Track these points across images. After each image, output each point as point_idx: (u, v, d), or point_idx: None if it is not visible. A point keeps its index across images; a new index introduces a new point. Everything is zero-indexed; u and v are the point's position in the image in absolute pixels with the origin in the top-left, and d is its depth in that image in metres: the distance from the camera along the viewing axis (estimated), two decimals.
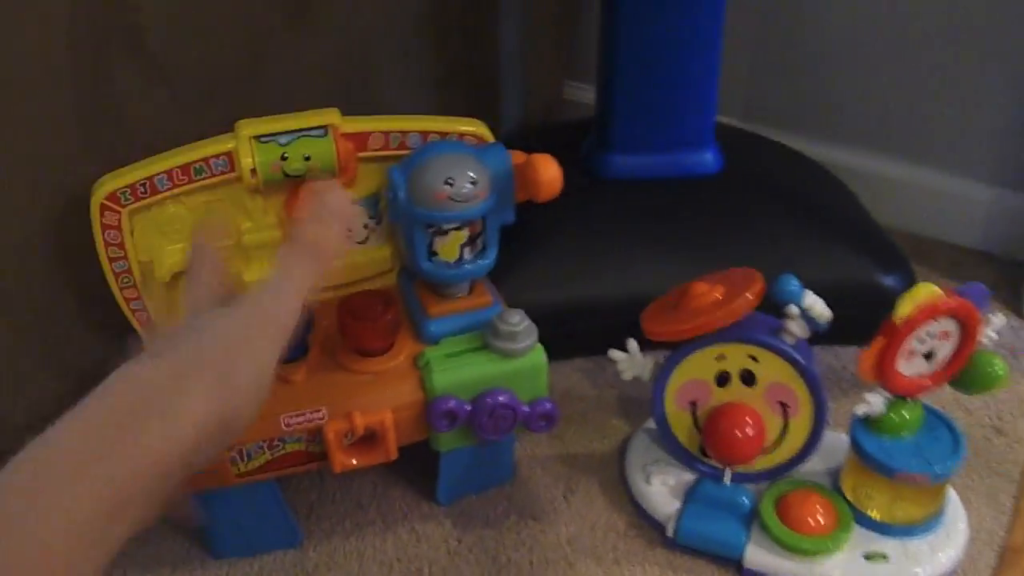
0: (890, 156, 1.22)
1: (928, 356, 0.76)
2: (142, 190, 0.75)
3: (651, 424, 0.87)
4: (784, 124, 1.25)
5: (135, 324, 0.80)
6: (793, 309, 0.76)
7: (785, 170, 1.12)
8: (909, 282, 0.99)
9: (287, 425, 0.74)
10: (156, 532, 0.84)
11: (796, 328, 0.77)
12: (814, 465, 0.83)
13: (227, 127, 0.76)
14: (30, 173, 0.79)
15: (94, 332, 0.87)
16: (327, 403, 0.75)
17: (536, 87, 1.30)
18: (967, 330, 0.74)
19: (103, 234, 0.76)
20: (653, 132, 1.04)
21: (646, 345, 0.83)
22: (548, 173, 0.75)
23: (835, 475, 0.82)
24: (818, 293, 0.76)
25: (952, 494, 0.82)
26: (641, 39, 0.99)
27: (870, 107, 1.21)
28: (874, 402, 0.76)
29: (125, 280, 0.78)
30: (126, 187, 0.74)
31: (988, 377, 0.76)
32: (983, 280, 1.12)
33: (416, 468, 0.88)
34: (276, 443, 0.75)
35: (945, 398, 0.96)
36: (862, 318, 0.82)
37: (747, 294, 0.76)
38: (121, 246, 0.76)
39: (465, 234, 0.76)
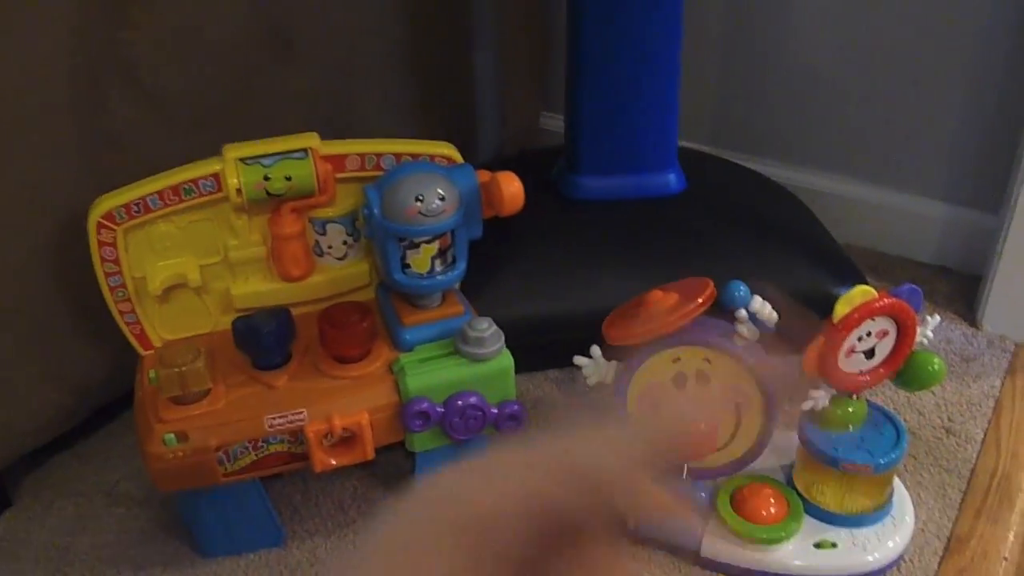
0: (850, 177, 1.28)
1: (870, 355, 0.81)
2: (136, 209, 0.80)
3: None
4: (749, 148, 1.32)
5: (128, 335, 0.85)
6: (742, 313, 0.81)
7: (746, 190, 1.18)
8: None
9: (270, 426, 0.79)
10: (148, 533, 0.89)
11: (746, 331, 0.82)
12: (769, 462, 0.88)
13: (215, 151, 0.82)
14: (32, 195, 0.85)
15: (92, 345, 0.93)
16: (308, 406, 0.80)
17: (512, 117, 1.37)
18: (904, 329, 0.79)
19: (100, 251, 0.81)
20: (618, 155, 1.10)
21: (610, 353, 0.88)
22: (511, 188, 0.81)
23: (788, 471, 0.87)
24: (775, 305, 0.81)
25: (900, 487, 0.87)
26: (604, 68, 1.05)
27: (831, 131, 1.28)
28: (818, 397, 0.81)
29: (120, 294, 0.83)
30: (121, 206, 0.80)
31: (927, 374, 0.81)
32: (939, 292, 1.20)
33: (394, 472, 0.94)
34: (260, 444, 0.80)
35: (899, 401, 1.02)
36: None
37: (698, 299, 0.81)
38: (116, 262, 0.82)
39: (436, 247, 0.82)
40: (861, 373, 0.81)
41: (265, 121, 0.93)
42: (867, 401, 0.84)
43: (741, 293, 0.81)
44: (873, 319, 0.78)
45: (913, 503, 0.87)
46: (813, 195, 1.23)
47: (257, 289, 0.87)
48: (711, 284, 0.83)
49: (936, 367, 0.81)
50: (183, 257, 0.84)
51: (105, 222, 0.80)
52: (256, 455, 0.80)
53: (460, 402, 0.82)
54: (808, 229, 1.14)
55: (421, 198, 0.79)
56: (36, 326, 0.88)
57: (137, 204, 0.80)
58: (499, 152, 1.37)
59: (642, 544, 0.85)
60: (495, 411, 0.84)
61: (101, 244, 0.81)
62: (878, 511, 0.84)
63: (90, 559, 0.86)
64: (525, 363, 0.87)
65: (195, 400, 0.79)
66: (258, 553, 0.86)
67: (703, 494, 0.85)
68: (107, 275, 0.82)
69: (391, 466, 0.94)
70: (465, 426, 0.83)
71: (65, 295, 0.89)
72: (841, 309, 0.78)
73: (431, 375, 0.82)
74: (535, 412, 1.01)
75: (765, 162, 1.29)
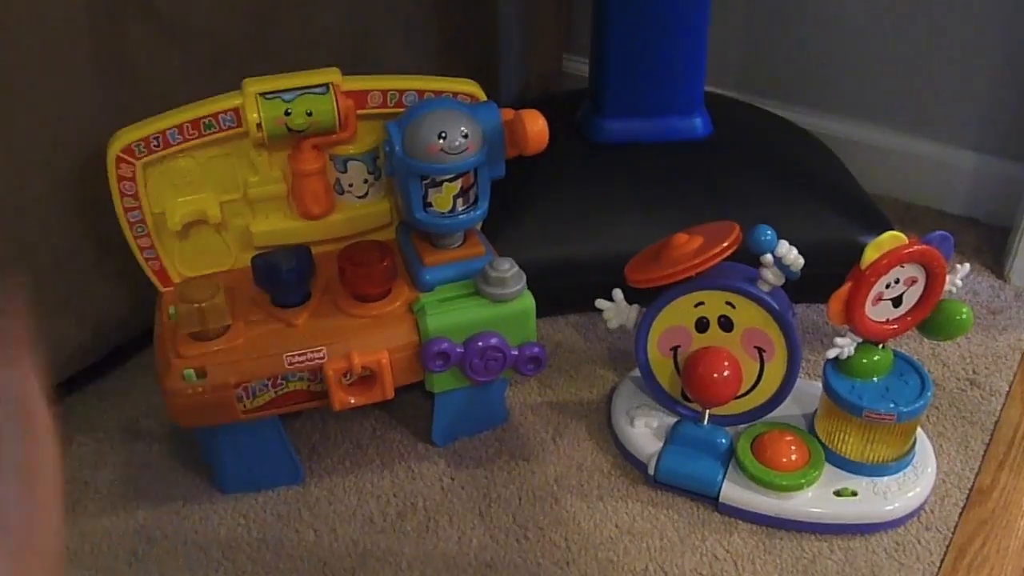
0: (878, 125, 1.26)
1: (897, 303, 0.80)
2: (155, 143, 0.80)
3: (636, 372, 0.92)
4: (777, 95, 1.29)
5: (148, 271, 0.85)
6: (768, 258, 0.80)
7: (773, 136, 1.16)
8: None
9: (289, 364, 0.79)
10: (167, 469, 0.89)
11: (771, 276, 0.81)
12: (790, 410, 0.87)
13: (236, 86, 0.81)
14: (51, 131, 0.84)
15: (111, 282, 0.92)
16: (327, 344, 0.80)
17: (535, 60, 1.35)
18: (933, 276, 0.78)
19: (119, 186, 0.80)
20: (643, 98, 1.08)
21: (631, 296, 0.87)
22: (535, 126, 0.80)
23: (810, 419, 0.87)
24: (802, 253, 0.80)
25: (923, 438, 0.87)
26: (631, 7, 1.03)
27: (860, 77, 1.25)
28: (843, 344, 0.80)
29: (140, 230, 0.83)
30: (140, 140, 0.79)
31: (954, 323, 0.80)
32: (967, 244, 1.18)
33: (413, 413, 0.94)
34: (279, 381, 0.80)
35: (923, 352, 1.00)
36: (844, 277, 0.86)
37: (724, 243, 0.80)
38: (135, 197, 0.81)
39: (458, 186, 0.81)
40: (888, 321, 0.80)
41: (286, 56, 0.91)
42: (892, 350, 0.83)
43: (768, 237, 0.79)
44: (902, 266, 0.77)
45: (935, 454, 0.86)
46: (841, 143, 1.21)
47: (277, 227, 0.86)
48: (737, 228, 0.82)
49: (964, 316, 0.80)
50: (203, 193, 0.84)
51: (124, 156, 0.79)
52: (275, 393, 0.80)
53: (480, 343, 0.81)
54: (835, 177, 1.12)
55: (444, 135, 0.78)
56: (56, 262, 0.88)
57: (156, 138, 0.80)
58: (522, 95, 1.35)
59: (662, 489, 0.85)
60: (515, 353, 0.83)
61: (120, 179, 0.80)
62: (900, 461, 0.83)
63: (110, 494, 0.87)
64: (545, 307, 0.86)
65: (214, 337, 0.79)
66: (277, 490, 0.87)
67: (723, 440, 0.84)
68: (126, 210, 0.82)
69: (410, 407, 0.94)
70: (485, 367, 0.83)
71: (85, 231, 0.89)
72: (870, 255, 0.76)
73: (451, 315, 0.81)
74: (555, 356, 1.00)
75: (792, 109, 1.27)
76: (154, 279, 0.85)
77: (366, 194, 0.88)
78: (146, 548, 0.82)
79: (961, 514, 0.84)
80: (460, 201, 0.82)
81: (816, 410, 0.86)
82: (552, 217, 1.02)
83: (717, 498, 0.83)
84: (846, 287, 0.78)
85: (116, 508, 0.86)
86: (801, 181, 1.08)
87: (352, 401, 0.81)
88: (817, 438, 0.84)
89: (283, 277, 0.81)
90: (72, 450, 0.91)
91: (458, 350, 0.81)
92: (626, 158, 1.08)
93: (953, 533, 0.82)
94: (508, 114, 0.82)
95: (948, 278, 0.79)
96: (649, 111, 1.08)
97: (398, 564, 0.80)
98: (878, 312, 0.79)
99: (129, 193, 0.81)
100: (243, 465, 0.85)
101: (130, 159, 0.80)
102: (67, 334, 0.91)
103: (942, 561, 0.80)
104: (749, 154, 1.11)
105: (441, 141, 0.78)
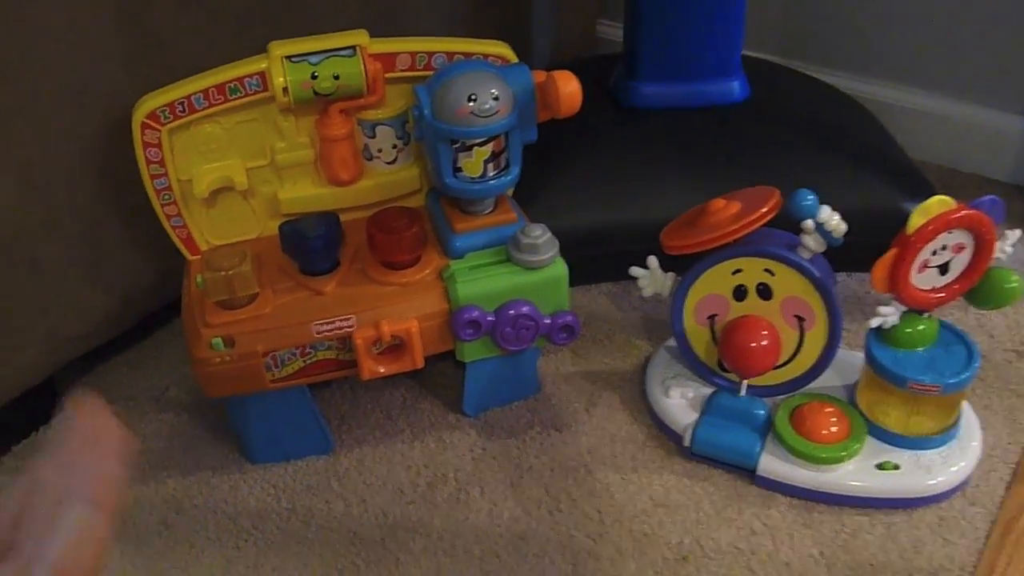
0: (922, 89, 1.22)
1: (944, 270, 0.77)
2: (180, 108, 0.78)
3: (672, 342, 0.90)
4: (817, 58, 1.26)
5: (175, 239, 0.84)
6: (809, 223, 0.77)
7: (812, 100, 1.13)
8: None
9: (318, 332, 0.78)
10: (197, 438, 0.88)
11: (812, 242, 0.78)
12: (830, 381, 0.85)
13: (261, 50, 0.79)
14: (76, 97, 0.83)
15: (139, 251, 0.91)
16: (356, 312, 0.78)
17: (567, 23, 1.32)
18: (982, 243, 0.75)
19: (144, 152, 0.79)
20: (679, 61, 1.05)
21: (666, 263, 0.85)
22: (568, 88, 0.77)
23: (851, 390, 0.84)
24: (843, 219, 0.77)
25: (968, 411, 0.84)
26: None
27: (903, 38, 1.21)
28: (887, 313, 0.78)
29: (166, 197, 0.82)
30: (165, 106, 0.78)
31: (1003, 292, 0.77)
32: (1015, 212, 1.14)
33: (444, 383, 0.92)
34: (308, 350, 0.79)
35: (969, 322, 0.97)
36: (886, 245, 0.83)
37: (763, 208, 0.77)
38: (162, 164, 0.80)
39: (488, 150, 0.79)
40: (934, 289, 0.77)
41: (313, 19, 0.89)
42: (938, 319, 0.80)
43: (809, 202, 0.77)
44: (949, 231, 0.74)
45: (981, 427, 0.84)
46: (882, 107, 1.17)
47: (305, 193, 0.85)
48: (778, 193, 0.79)
49: (1014, 285, 0.77)
50: (230, 160, 0.82)
51: (149, 122, 0.78)
52: (304, 361, 0.79)
53: (512, 311, 0.80)
54: (877, 142, 1.08)
55: (474, 98, 0.76)
56: (83, 231, 0.87)
57: (182, 103, 0.78)
58: (553, 60, 1.32)
59: (697, 461, 0.83)
60: (548, 321, 0.81)
61: (146, 145, 0.79)
62: (944, 433, 0.81)
63: (139, 464, 0.86)
64: (578, 276, 0.84)
65: (242, 305, 0.78)
66: (306, 460, 0.86)
67: (761, 411, 0.82)
68: (153, 177, 0.81)
69: (440, 376, 0.92)
70: (517, 336, 0.81)
71: (112, 200, 0.88)
72: (917, 220, 0.73)
73: (482, 283, 0.80)
74: (589, 325, 0.98)
75: (833, 73, 1.23)
76: (181, 247, 0.84)
77: (395, 159, 0.86)
78: (176, 518, 0.82)
79: (1008, 489, 0.81)
80: (491, 166, 0.80)
81: (857, 381, 0.83)
82: (585, 183, 1.00)
83: (754, 471, 0.81)
84: (891, 253, 0.75)
85: (146, 478, 0.85)
86: (842, 146, 1.05)
87: (381, 370, 0.80)
88: (858, 410, 0.82)
89: (311, 244, 0.79)
90: None
91: (489, 318, 0.80)
92: (661, 123, 1.05)
93: (999, 508, 0.80)
94: (540, 76, 0.80)
95: (997, 245, 0.76)
96: (685, 75, 1.06)
97: (428, 535, 0.79)
98: (924, 280, 0.77)
99: (155, 160, 0.80)
100: (272, 435, 0.84)
101: (156, 125, 0.78)
102: (95, 304, 0.90)
103: (987, 537, 0.77)
104: (788, 119, 1.08)
105: (471, 104, 0.76)
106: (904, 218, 0.98)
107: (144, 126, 0.78)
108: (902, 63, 1.22)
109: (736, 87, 1.07)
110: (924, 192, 1.01)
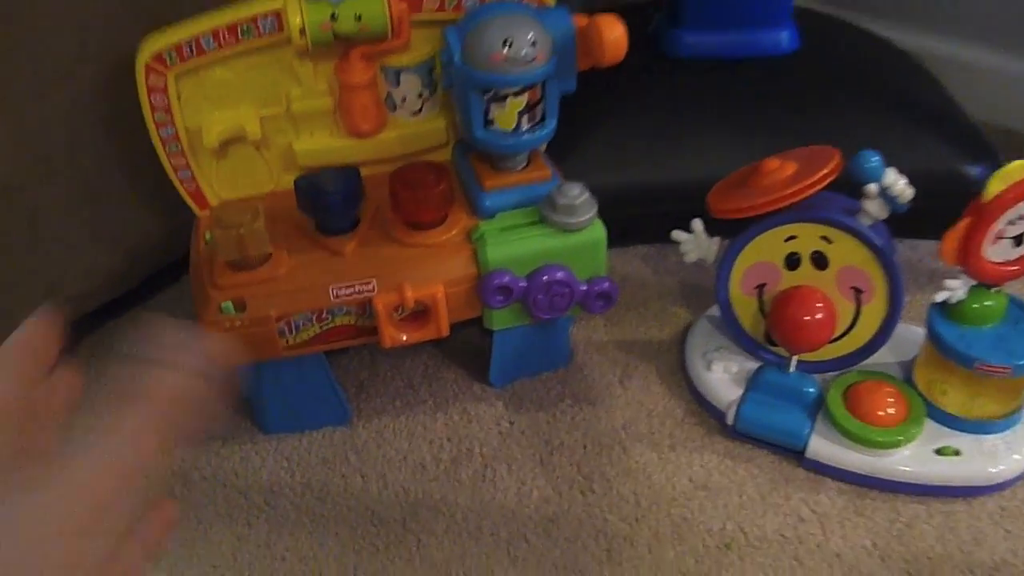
0: (982, 44, 1.15)
1: (1019, 242, 0.70)
2: (188, 50, 0.72)
3: (714, 311, 0.84)
4: (870, 9, 1.18)
5: (183, 193, 0.78)
6: (872, 188, 0.71)
7: (866, 54, 1.06)
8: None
9: (336, 296, 0.72)
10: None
11: (874, 208, 0.72)
12: (885, 357, 0.79)
13: None
14: (74, 38, 0.77)
15: (145, 205, 0.86)
16: (377, 275, 0.73)
17: None
18: None
19: (149, 98, 0.73)
20: (726, 8, 0.98)
21: (712, 227, 0.79)
22: (613, 33, 0.71)
23: (907, 368, 0.78)
24: None
25: None
26: None
27: None
28: (955, 287, 0.71)
29: (173, 147, 0.76)
30: (171, 47, 0.72)
31: None
32: None
33: (469, 350, 0.87)
34: (325, 316, 0.73)
35: None
36: (943, 210, 0.76)
37: (823, 170, 0.71)
38: (168, 110, 0.74)
39: (523, 101, 0.72)
40: (1007, 263, 0.71)
41: None
42: (1008, 294, 0.74)
43: (874, 164, 0.70)
44: None
45: None
46: (940, 63, 1.10)
47: (322, 145, 0.79)
48: (838, 154, 0.73)
49: None
50: (241, 107, 0.76)
51: (155, 65, 0.72)
52: (320, 327, 0.74)
53: (546, 277, 0.74)
54: (935, 100, 1.01)
55: (509, 42, 0.69)
56: (85, 183, 0.81)
57: (189, 44, 0.72)
58: (589, 4, 1.25)
59: (741, 441, 0.78)
60: (584, 288, 0.75)
61: (151, 90, 0.73)
62: (1008, 418, 0.75)
63: None
64: (612, 236, 0.79)
65: (254, 266, 0.72)
66: (322, 431, 0.81)
67: (812, 389, 0.76)
68: (158, 125, 0.75)
69: (466, 344, 0.87)
70: (550, 304, 0.75)
71: (114, 149, 0.82)
72: (995, 186, 0.67)
73: (514, 245, 0.73)
74: (623, 291, 0.92)
75: (887, 25, 1.15)
76: (189, 201, 0.79)
77: (420, 110, 0.80)
78: (183, 490, 0.77)
79: None
80: (525, 118, 0.73)
81: (914, 358, 0.77)
82: (625, 138, 0.94)
83: (803, 453, 0.75)
84: (964, 223, 0.69)
85: None
86: (897, 103, 0.97)
87: (404, 338, 0.75)
88: (916, 389, 0.76)
89: (329, 200, 0.73)
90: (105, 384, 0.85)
91: (521, 284, 0.74)
92: (706, 74, 0.99)
93: None
94: (581, 20, 0.73)
95: None
96: (732, 22, 0.99)
97: (452, 515, 0.74)
98: (997, 252, 0.70)
99: (160, 106, 0.74)
100: (286, 405, 0.79)
101: (161, 68, 0.72)
102: (98, 261, 0.85)
103: None
104: (841, 73, 1.00)
105: (506, 49, 0.69)
106: (965, 182, 0.91)
107: (148, 69, 0.72)
108: (961, 16, 1.15)
109: (785, 37, 1.00)
110: (986, 155, 0.94)
